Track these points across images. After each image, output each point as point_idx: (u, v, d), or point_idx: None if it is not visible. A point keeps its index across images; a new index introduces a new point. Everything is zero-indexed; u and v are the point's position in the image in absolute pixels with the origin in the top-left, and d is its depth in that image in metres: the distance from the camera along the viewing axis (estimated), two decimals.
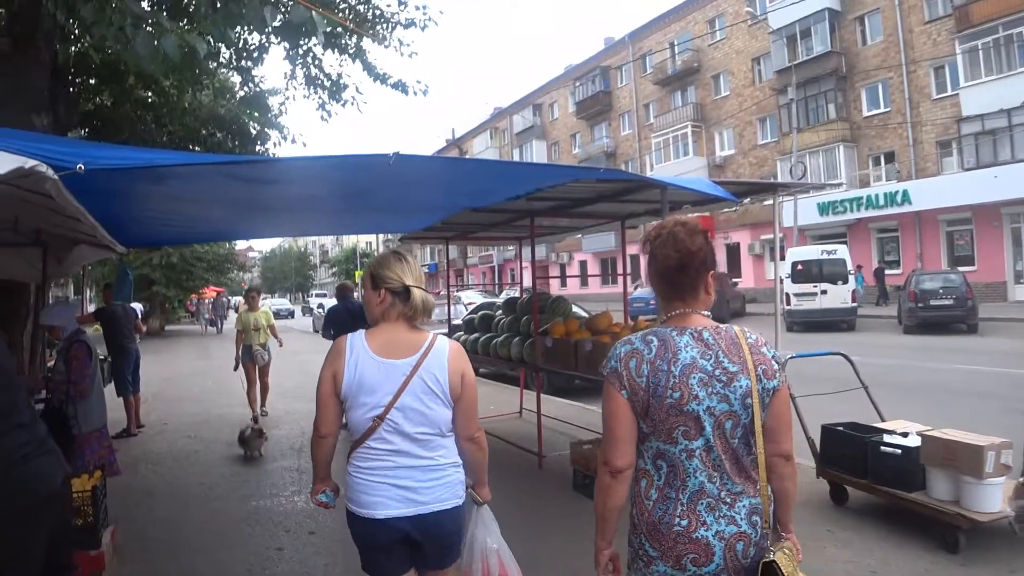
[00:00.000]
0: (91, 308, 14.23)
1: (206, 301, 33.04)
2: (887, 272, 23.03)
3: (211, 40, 5.13)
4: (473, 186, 4.29)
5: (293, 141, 8.82)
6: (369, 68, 7.18)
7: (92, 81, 7.46)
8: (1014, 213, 20.54)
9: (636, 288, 21.81)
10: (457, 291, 18.36)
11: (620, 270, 7.41)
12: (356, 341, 2.14)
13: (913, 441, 4.04)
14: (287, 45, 6.90)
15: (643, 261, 1.94)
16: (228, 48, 6.84)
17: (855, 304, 17.92)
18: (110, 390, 6.90)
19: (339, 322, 7.36)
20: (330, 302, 8.29)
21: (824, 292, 17.66)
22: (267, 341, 8.53)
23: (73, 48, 6.37)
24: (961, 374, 9.93)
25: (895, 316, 17.73)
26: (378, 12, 7.49)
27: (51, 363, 5.98)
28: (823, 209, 25.20)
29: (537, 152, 42.59)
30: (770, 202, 5.45)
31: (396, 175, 3.30)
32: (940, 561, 3.59)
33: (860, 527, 4.11)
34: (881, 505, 4.27)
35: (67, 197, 2.51)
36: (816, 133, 25.57)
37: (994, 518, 3.62)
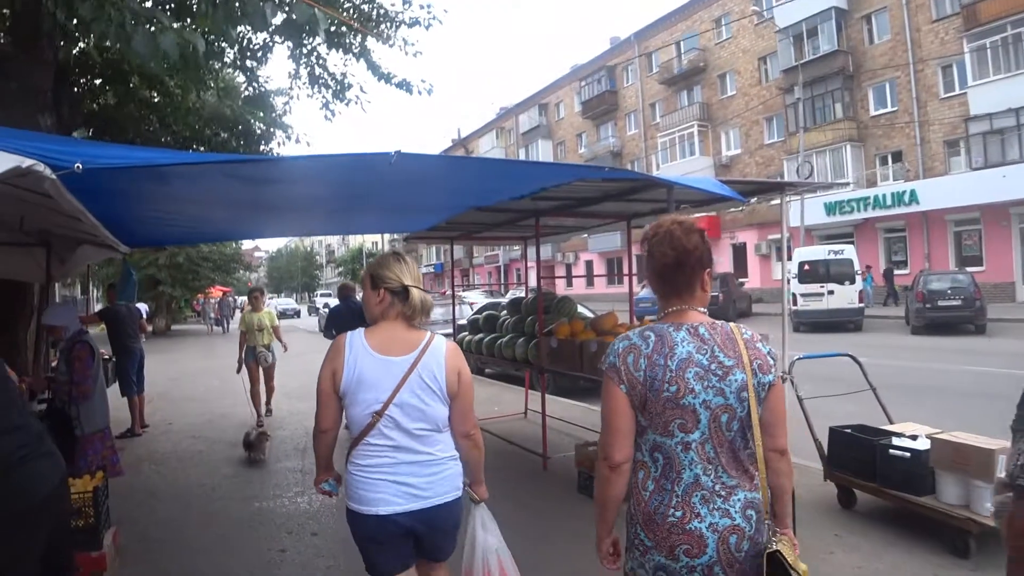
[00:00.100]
0: (97, 308, 14.27)
1: (212, 301, 33.15)
2: (895, 272, 22.90)
3: (212, 38, 5.11)
4: (478, 185, 4.27)
5: (297, 141, 8.82)
6: (373, 67, 7.16)
7: (96, 81, 7.46)
8: (1023, 213, 20.42)
9: (642, 288, 21.72)
10: (461, 291, 18.33)
11: (626, 270, 7.37)
12: (355, 339, 2.19)
13: (922, 444, 3.99)
14: (291, 44, 6.90)
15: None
16: (230, 47, 6.83)
17: (862, 304, 17.80)
18: (114, 390, 6.91)
19: (341, 322, 7.34)
20: (336, 302, 8.29)
21: (831, 292, 17.52)
22: (271, 342, 8.46)
23: (75, 48, 6.37)
24: (970, 375, 9.83)
25: (903, 317, 17.62)
26: (382, 11, 7.49)
27: (55, 363, 5.97)
28: (830, 209, 25.08)
29: (543, 152, 42.61)
30: (777, 202, 5.42)
31: (400, 174, 3.27)
32: (950, 566, 3.54)
33: (868, 531, 4.05)
34: (890, 509, 4.21)
35: (66, 196, 2.49)
36: (823, 132, 25.44)
37: None
